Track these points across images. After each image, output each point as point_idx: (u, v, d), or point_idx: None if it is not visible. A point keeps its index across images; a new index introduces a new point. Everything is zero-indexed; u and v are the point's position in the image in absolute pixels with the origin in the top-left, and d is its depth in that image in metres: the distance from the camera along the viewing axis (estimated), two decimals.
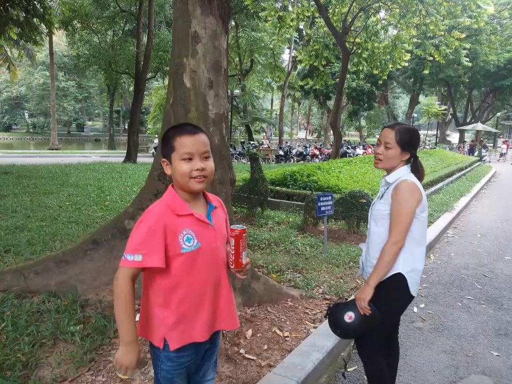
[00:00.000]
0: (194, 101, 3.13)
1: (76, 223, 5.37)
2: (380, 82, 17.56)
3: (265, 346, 2.83)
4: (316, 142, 35.30)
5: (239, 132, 40.12)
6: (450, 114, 42.93)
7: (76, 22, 18.33)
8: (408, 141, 2.02)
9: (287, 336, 2.99)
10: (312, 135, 58.25)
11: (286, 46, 29.58)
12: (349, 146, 26.01)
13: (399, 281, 2.00)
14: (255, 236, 5.29)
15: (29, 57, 26.51)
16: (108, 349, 2.62)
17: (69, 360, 2.45)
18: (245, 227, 1.53)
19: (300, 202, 6.91)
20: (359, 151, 24.93)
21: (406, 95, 47.35)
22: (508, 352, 3.16)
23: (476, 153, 26.12)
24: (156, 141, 22.86)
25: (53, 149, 26.30)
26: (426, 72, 15.04)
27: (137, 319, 1.48)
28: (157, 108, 28.14)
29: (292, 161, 22.10)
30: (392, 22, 13.68)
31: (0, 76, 43.89)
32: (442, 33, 12.70)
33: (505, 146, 29.69)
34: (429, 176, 10.62)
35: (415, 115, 46.74)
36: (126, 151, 16.85)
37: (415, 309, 3.86)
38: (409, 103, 38.73)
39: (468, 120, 40.83)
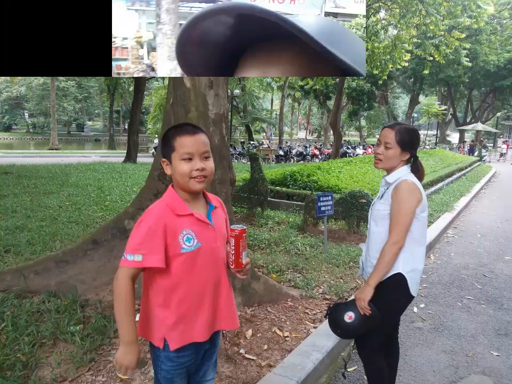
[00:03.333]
0: (194, 101, 3.13)
1: (76, 223, 5.37)
2: (380, 82, 17.53)
3: (265, 346, 2.83)
4: (315, 142, 35.33)
5: (239, 132, 40.12)
6: (450, 114, 42.93)
7: None
8: (408, 141, 2.02)
9: (287, 336, 2.99)
10: (312, 135, 58.21)
11: None
12: (349, 146, 26.05)
13: (399, 281, 2.01)
14: (255, 236, 5.29)
15: None
16: (108, 349, 2.62)
17: (69, 360, 2.45)
18: (245, 227, 1.52)
19: (300, 202, 6.91)
20: (359, 151, 24.95)
21: (406, 95, 47.32)
22: (508, 352, 3.16)
23: (476, 153, 26.12)
24: (156, 141, 22.84)
25: (53, 149, 26.27)
26: (426, 72, 15.00)
27: (137, 319, 1.48)
28: (157, 107, 28.12)
29: (292, 161, 22.10)
30: (392, 22, 13.66)
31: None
32: (442, 33, 12.68)
33: (505, 146, 29.68)
34: (429, 176, 10.62)
35: (415, 115, 46.73)
36: (126, 151, 16.83)
37: (415, 309, 3.86)
38: (409, 103, 38.72)
39: (468, 120, 40.82)
